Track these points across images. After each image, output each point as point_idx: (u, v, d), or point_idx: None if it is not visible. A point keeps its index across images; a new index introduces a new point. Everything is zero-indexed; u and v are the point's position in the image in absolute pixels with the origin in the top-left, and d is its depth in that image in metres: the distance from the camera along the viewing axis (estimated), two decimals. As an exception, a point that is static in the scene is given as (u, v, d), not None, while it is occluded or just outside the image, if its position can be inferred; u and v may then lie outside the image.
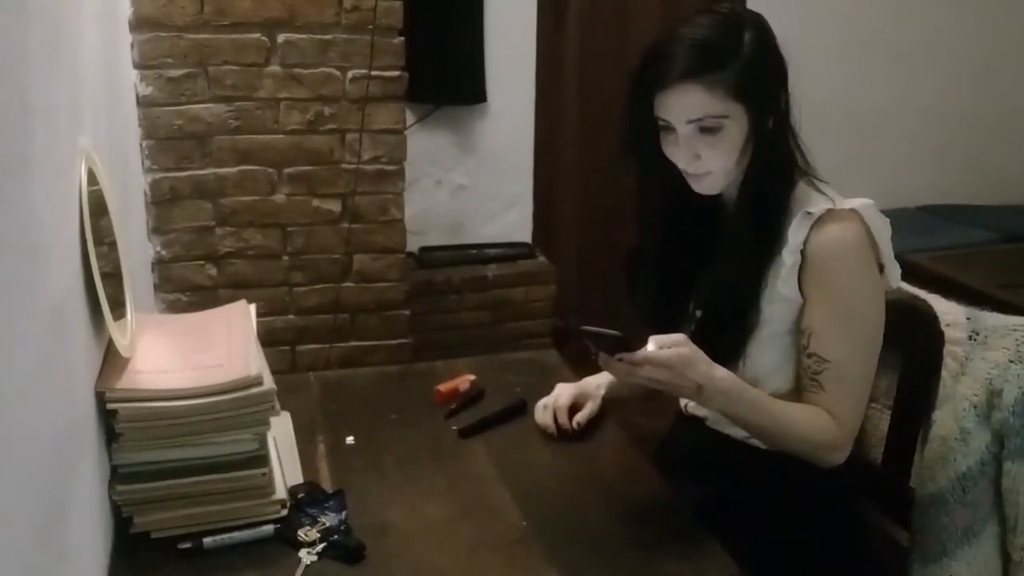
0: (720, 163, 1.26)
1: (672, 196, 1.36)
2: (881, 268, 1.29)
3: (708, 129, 1.24)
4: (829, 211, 1.24)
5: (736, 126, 1.24)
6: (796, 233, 1.25)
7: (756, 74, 1.23)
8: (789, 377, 1.32)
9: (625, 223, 1.47)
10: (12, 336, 0.75)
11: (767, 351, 1.31)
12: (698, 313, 1.36)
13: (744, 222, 1.30)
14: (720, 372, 1.20)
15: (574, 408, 1.46)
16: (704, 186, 1.30)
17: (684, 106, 1.23)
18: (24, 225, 0.81)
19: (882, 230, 1.27)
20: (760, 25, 1.27)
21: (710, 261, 1.35)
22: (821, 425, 1.24)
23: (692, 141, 1.25)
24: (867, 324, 1.26)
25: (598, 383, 1.50)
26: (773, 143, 1.27)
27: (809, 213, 1.24)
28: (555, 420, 1.44)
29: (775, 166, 1.29)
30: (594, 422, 1.46)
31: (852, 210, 1.25)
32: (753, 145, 1.26)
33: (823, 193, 1.29)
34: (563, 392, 1.48)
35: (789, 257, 1.25)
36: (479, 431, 1.44)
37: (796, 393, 1.31)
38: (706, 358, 1.18)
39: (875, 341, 1.27)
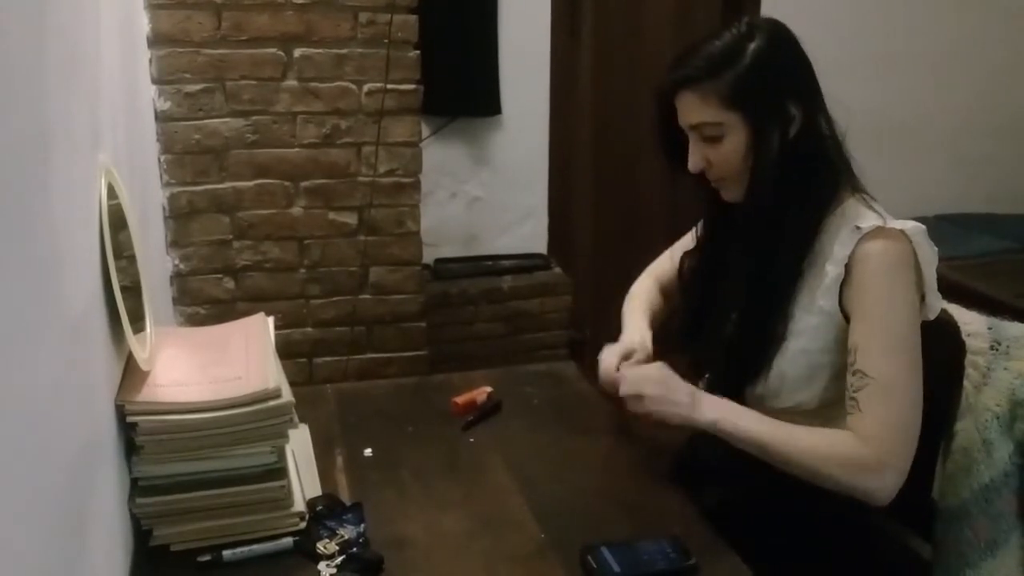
0: (726, 170, 1.29)
1: (712, 207, 1.40)
2: (922, 298, 1.25)
3: (710, 137, 1.28)
4: (879, 228, 1.22)
5: (735, 134, 1.26)
6: (843, 246, 1.24)
7: (753, 84, 1.24)
8: (815, 394, 1.31)
9: (640, 233, 1.48)
10: (33, 349, 0.76)
11: (795, 364, 1.29)
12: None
13: (747, 232, 1.32)
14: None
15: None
16: (726, 194, 1.33)
17: (684, 113, 1.29)
18: (45, 239, 0.82)
19: (929, 257, 1.23)
20: (773, 35, 1.27)
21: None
22: (839, 439, 1.20)
23: (699, 146, 1.30)
24: (907, 339, 1.21)
25: (642, 336, 1.48)
26: (787, 153, 1.27)
27: (858, 228, 1.23)
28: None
29: (788, 176, 1.27)
30: (614, 436, 1.46)
31: (901, 231, 1.23)
32: (755, 154, 1.27)
33: (875, 211, 1.28)
34: (608, 359, 1.44)
35: (833, 269, 1.25)
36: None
37: (822, 411, 1.30)
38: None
39: (915, 357, 1.21)
